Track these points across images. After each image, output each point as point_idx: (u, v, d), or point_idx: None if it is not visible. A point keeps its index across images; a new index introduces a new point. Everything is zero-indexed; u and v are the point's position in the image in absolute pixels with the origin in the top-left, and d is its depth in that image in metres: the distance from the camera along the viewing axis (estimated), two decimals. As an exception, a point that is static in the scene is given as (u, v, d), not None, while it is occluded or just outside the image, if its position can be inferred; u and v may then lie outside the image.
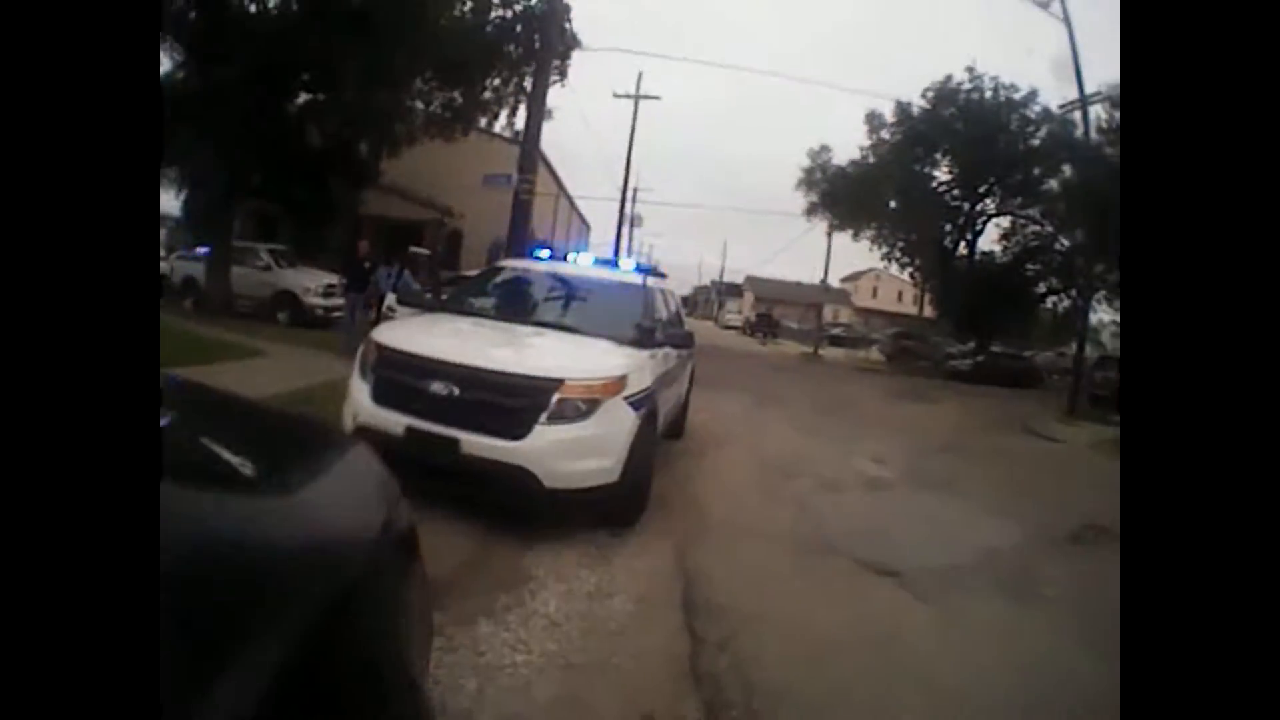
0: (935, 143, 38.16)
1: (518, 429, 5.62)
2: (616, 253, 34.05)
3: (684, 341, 8.78)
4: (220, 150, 18.75)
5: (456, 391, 5.70)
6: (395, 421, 5.77)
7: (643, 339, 7.01)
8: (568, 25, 20.14)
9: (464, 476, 5.71)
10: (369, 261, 15.73)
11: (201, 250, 21.19)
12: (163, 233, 53.08)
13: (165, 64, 19.58)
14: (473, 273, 17.56)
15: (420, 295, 12.39)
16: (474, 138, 24.27)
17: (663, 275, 10.15)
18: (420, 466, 5.25)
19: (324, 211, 22.05)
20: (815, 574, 6.05)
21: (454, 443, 5.62)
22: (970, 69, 36.99)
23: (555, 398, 5.69)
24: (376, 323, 12.87)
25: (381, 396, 5.99)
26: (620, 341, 6.76)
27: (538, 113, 16.92)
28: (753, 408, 15.30)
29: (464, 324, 7.11)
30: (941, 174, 39.88)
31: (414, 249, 22.82)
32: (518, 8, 21.04)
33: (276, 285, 20.39)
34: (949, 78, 37.49)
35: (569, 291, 8.09)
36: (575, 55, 21.58)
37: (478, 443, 5.61)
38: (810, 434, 13.01)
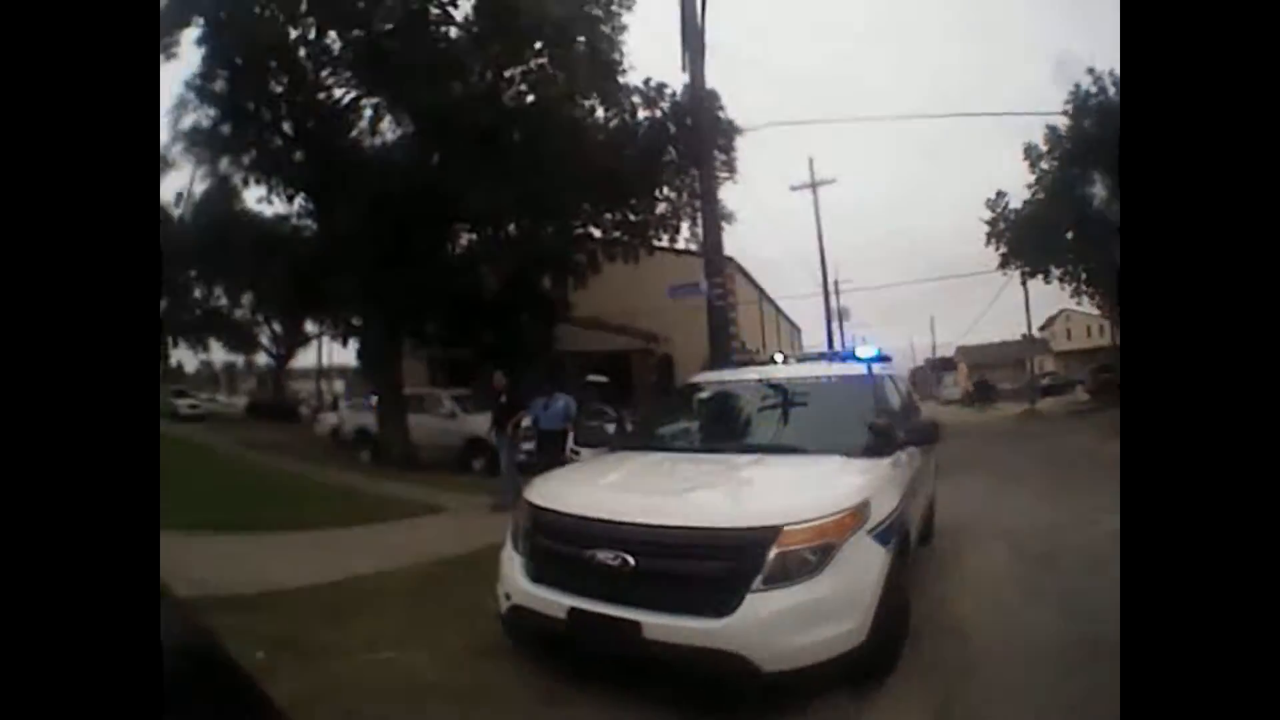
0: (1086, 159, 34.98)
1: (722, 601, 4.15)
2: (831, 348, 32.44)
3: (928, 435, 6.90)
4: (369, 297, 18.79)
5: (631, 561, 4.31)
6: (556, 604, 4.49)
7: (880, 444, 5.56)
8: (720, 112, 18.63)
9: (649, 667, 4.32)
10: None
11: (375, 401, 21.03)
12: (340, 384, 56.60)
13: (276, 207, 20.46)
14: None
15: (601, 433, 10.49)
16: (662, 258, 22.53)
17: (888, 358, 8.33)
18: (591, 657, 4.44)
19: (514, 353, 20.49)
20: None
21: (633, 627, 4.21)
22: (1090, 70, 33.91)
23: (773, 552, 4.19)
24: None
25: (539, 572, 4.75)
26: (852, 454, 5.32)
27: (711, 210, 15.51)
28: (989, 483, 13.66)
29: (647, 464, 5.88)
30: (1100, 190, 36.87)
31: (591, 377, 21.51)
32: (664, 106, 19.82)
33: (463, 432, 19.01)
34: (1077, 87, 34.55)
35: (780, 400, 6.55)
36: (738, 141, 19.94)
37: (666, 625, 4.18)
38: (1050, 500, 11.44)
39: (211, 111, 19.67)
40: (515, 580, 4.80)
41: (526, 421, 12.46)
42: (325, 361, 58.55)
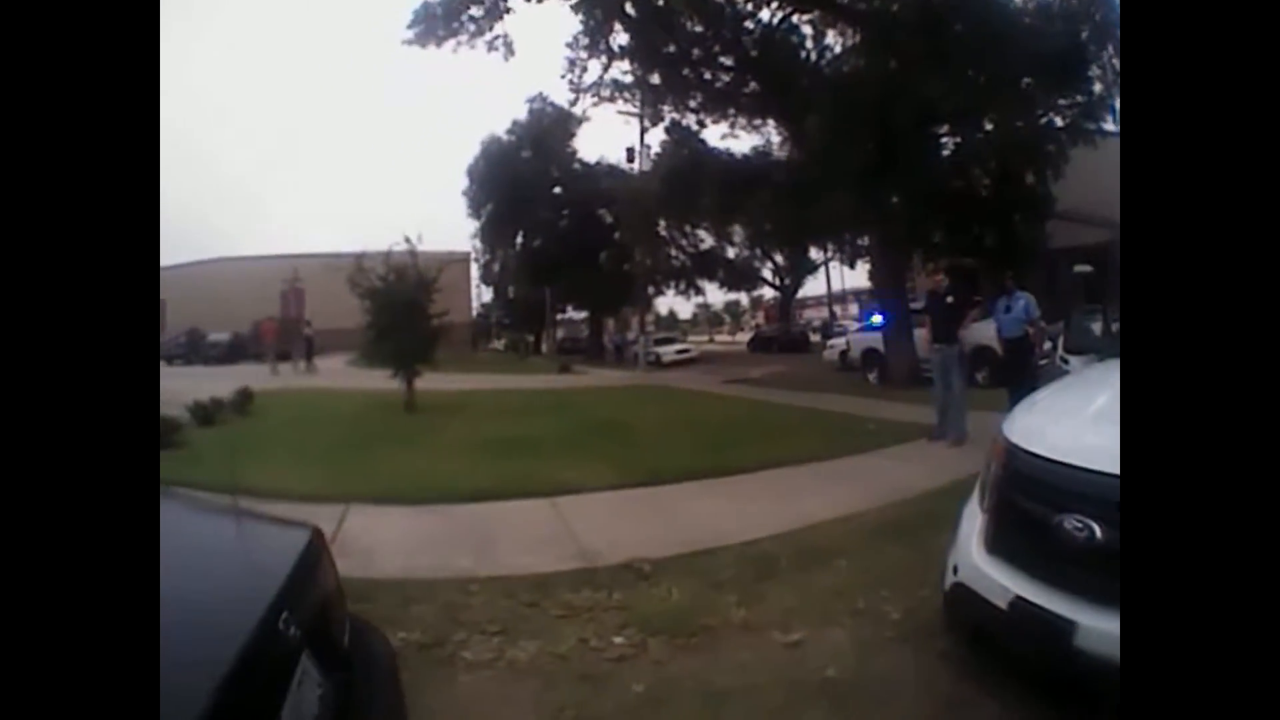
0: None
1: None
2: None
3: None
4: (868, 210, 18.78)
5: (1100, 533, 2.95)
6: (1001, 587, 3.33)
7: None
8: None
9: (1084, 688, 2.96)
10: (952, 295, 11.17)
11: (878, 320, 21.07)
12: (854, 307, 56.07)
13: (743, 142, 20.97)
14: None
15: (1092, 335, 7.90)
16: (1106, 145, 20.78)
17: None
18: (1034, 665, 3.21)
19: (1012, 254, 20.04)
20: None
21: (1065, 628, 2.98)
22: None
23: None
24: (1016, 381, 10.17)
25: (998, 540, 3.55)
26: None
27: None
28: None
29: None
30: None
31: (1078, 267, 19.08)
32: None
33: (969, 342, 17.90)
34: None
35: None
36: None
37: (1106, 632, 2.78)
38: None
39: (625, 65, 20.77)
40: (967, 548, 3.68)
41: (988, 327, 10.66)
42: (837, 287, 59.09)
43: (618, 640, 4.29)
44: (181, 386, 15.75)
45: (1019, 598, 3.18)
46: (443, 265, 16.73)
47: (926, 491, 7.40)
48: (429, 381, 16.91)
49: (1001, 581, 3.30)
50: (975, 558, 3.56)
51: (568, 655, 4.14)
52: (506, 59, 20.13)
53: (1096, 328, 7.86)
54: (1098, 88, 19.43)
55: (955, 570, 3.71)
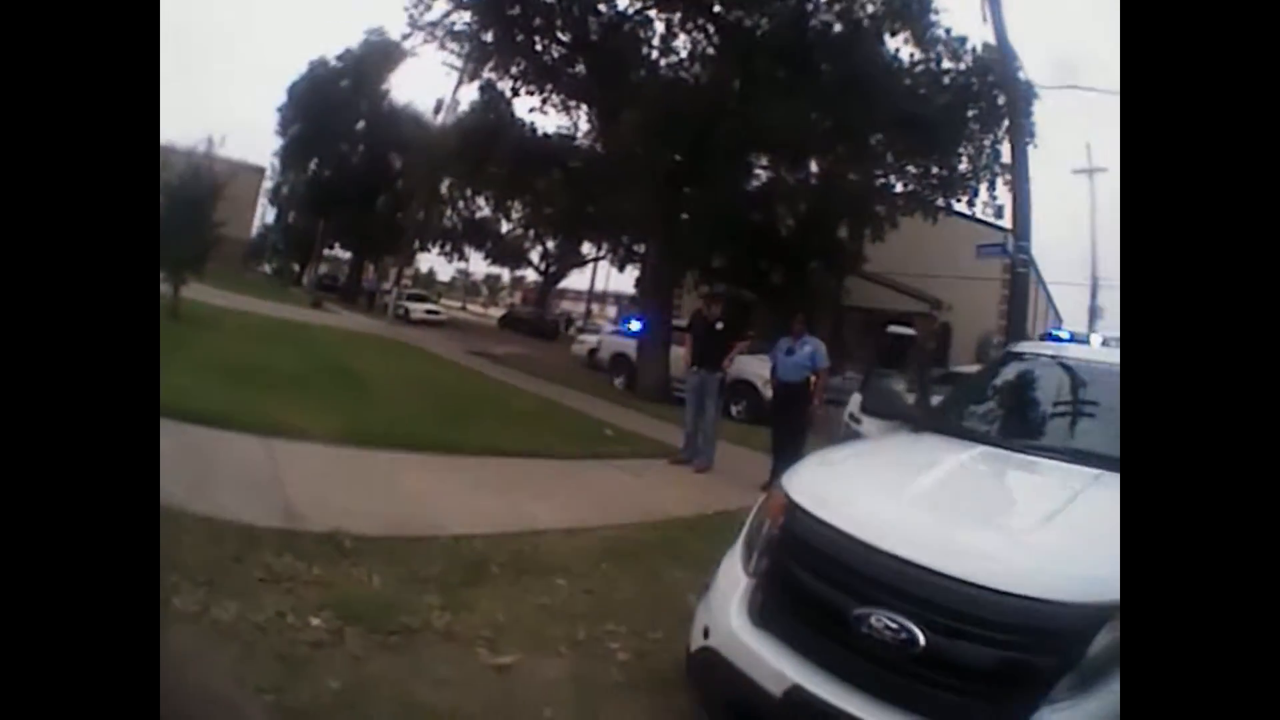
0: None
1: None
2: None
3: None
4: (659, 219, 18.56)
5: (921, 637, 2.58)
6: (775, 671, 2.85)
7: None
8: (1021, 73, 17.06)
9: None
10: (721, 322, 10.55)
11: (636, 327, 20.87)
12: (613, 309, 57.52)
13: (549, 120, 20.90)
14: (966, 369, 13.37)
15: (896, 401, 6.36)
16: (948, 224, 21.99)
17: None
18: None
19: (801, 298, 20.12)
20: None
21: None
22: None
23: (1100, 641, 2.48)
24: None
25: (768, 613, 3.05)
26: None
27: (1023, 173, 14.65)
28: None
29: (967, 466, 3.89)
30: None
31: (894, 327, 19.00)
32: (968, 59, 18.53)
33: (730, 373, 18.10)
34: None
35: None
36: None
37: None
38: None
39: (468, 16, 19.80)
40: (725, 613, 3.16)
41: (853, 406, 10.41)
42: (601, 286, 59.47)
43: (315, 622, 3.85)
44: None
45: (799, 687, 2.72)
46: (233, 174, 16.51)
47: (669, 518, 6.97)
48: (193, 292, 16.47)
49: (773, 664, 2.82)
50: (735, 626, 3.07)
51: (265, 627, 3.75)
52: None
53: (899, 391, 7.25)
54: (964, 166, 19.54)
55: (706, 633, 3.20)
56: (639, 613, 4.48)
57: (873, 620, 2.57)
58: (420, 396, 12.07)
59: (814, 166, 20.73)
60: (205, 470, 5.82)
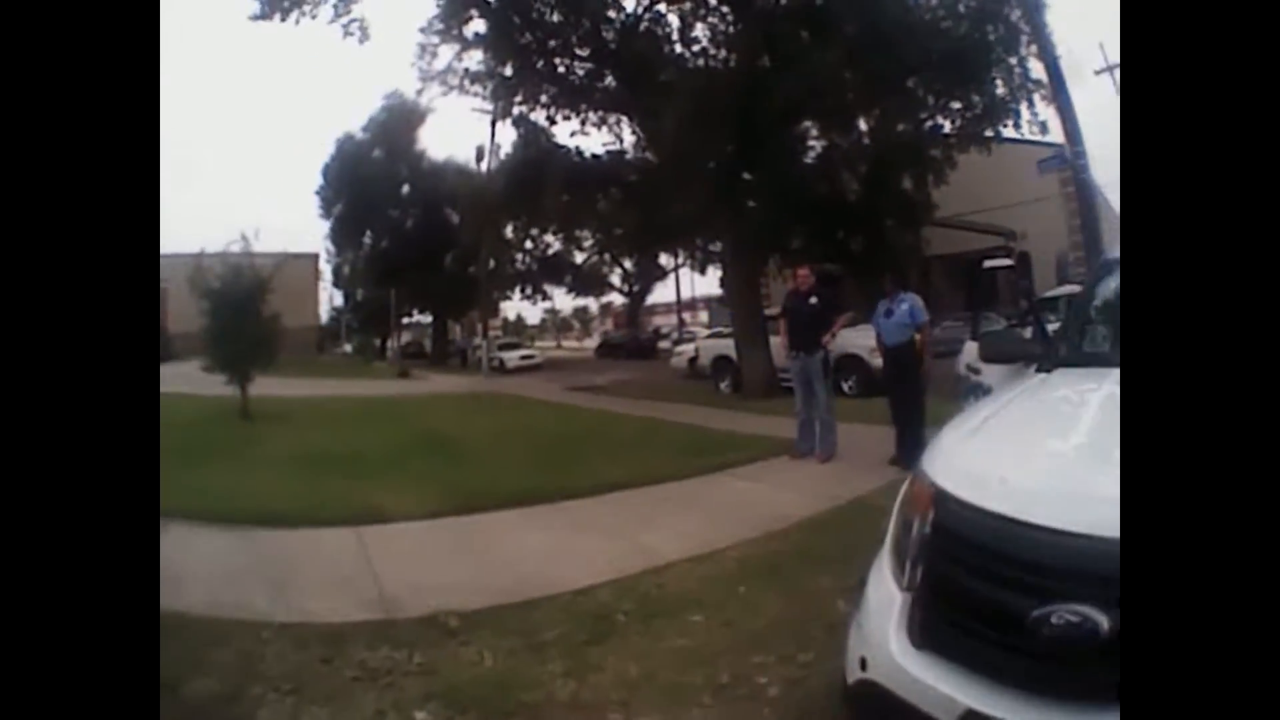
0: None
1: None
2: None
3: None
4: (722, 214, 18.21)
5: (1105, 625, 2.06)
6: (947, 700, 2.34)
7: None
8: None
9: None
10: (816, 296, 9.92)
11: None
12: (705, 314, 56.93)
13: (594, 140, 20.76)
14: (1062, 291, 12.23)
15: (1016, 341, 5.17)
16: (1001, 154, 21.04)
17: None
18: None
19: (884, 259, 19.81)
20: None
21: None
22: None
23: None
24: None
25: (932, 631, 2.52)
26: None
27: (1059, 82, 15.27)
28: None
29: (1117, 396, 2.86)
30: None
31: (990, 261, 18.10)
32: None
33: (835, 350, 17.27)
34: None
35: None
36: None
37: None
38: None
39: (479, 55, 19.87)
40: (882, 639, 2.64)
41: (969, 355, 9.81)
42: (686, 293, 58.85)
43: (420, 716, 3.55)
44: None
45: (973, 712, 2.22)
46: (278, 265, 16.00)
47: (798, 521, 6.46)
48: (267, 387, 16.34)
49: (942, 689, 2.32)
50: (895, 652, 2.55)
51: (362, 732, 3.54)
52: (361, 42, 18.54)
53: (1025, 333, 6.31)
54: (1000, 90, 18.91)
55: (864, 665, 2.71)
56: (784, 635, 4.06)
57: (1053, 619, 2.06)
58: (517, 447, 11.57)
59: (863, 125, 20.16)
60: (287, 575, 5.64)
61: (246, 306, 14.95)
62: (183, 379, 17.08)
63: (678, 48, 19.45)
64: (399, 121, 46.04)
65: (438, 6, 19.01)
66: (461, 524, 6.93)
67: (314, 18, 17.99)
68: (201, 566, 5.69)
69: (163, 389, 12.33)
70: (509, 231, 38.17)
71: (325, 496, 7.75)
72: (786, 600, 4.59)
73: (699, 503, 7.34)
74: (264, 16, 17.76)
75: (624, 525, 6.65)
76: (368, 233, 48.42)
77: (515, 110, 21.92)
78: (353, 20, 18.10)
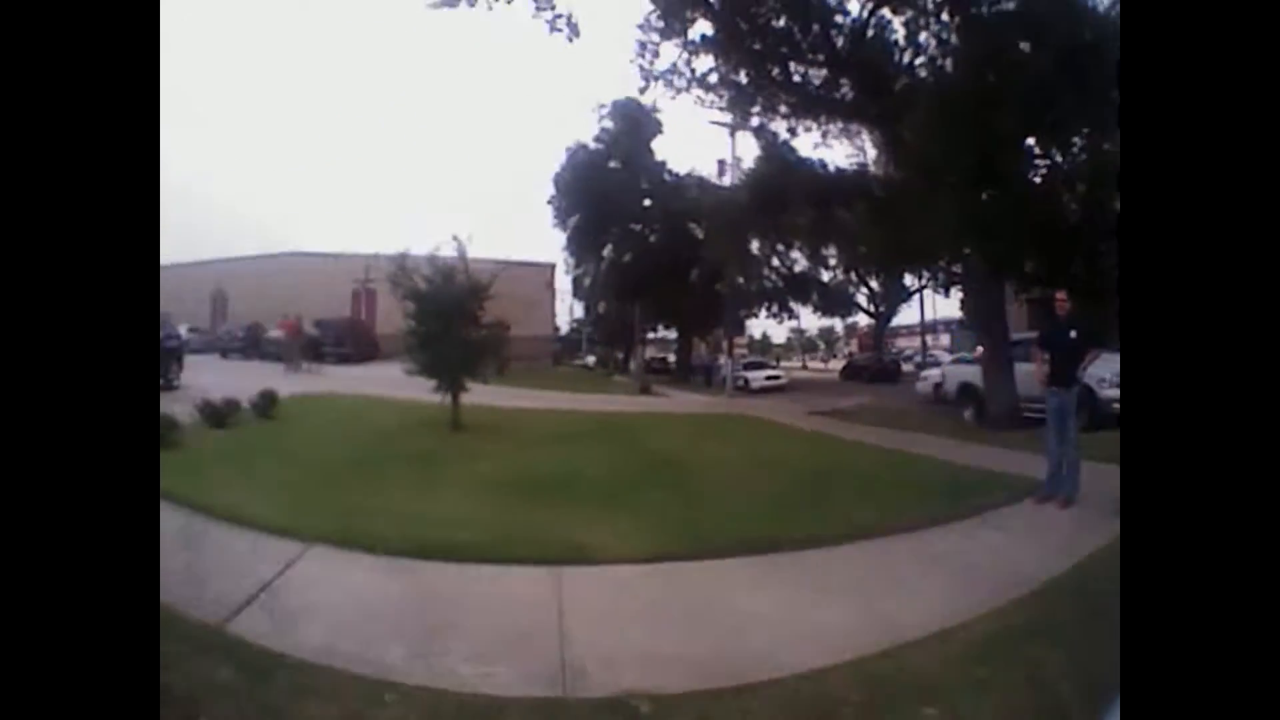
0: None
1: None
2: None
3: None
4: (963, 232, 17.38)
5: None
6: None
7: None
8: None
9: None
10: (1074, 328, 9.17)
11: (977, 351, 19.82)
12: (945, 338, 54.28)
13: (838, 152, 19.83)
14: None
15: None
16: None
17: None
18: None
19: (1100, 283, 18.06)
20: None
21: None
22: None
23: None
24: None
25: None
26: None
27: None
28: None
29: None
30: None
31: None
32: None
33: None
34: None
35: None
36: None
37: None
38: None
39: (709, 60, 19.19)
40: None
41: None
42: (929, 316, 56.69)
43: None
44: (223, 382, 15.57)
45: None
46: (499, 271, 15.42)
47: (1045, 581, 5.91)
48: (489, 396, 15.79)
49: None
50: None
51: None
52: (571, 39, 17.91)
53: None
54: None
55: None
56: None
57: None
58: (754, 480, 10.55)
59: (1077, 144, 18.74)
60: (446, 623, 4.95)
61: (458, 312, 14.34)
62: (387, 382, 17.42)
63: (906, 56, 18.59)
64: (632, 131, 45.89)
65: (652, 3, 18.49)
66: (681, 572, 6.18)
67: (510, 1, 17.41)
68: (334, 601, 5.23)
69: (364, 392, 15.14)
70: (754, 248, 37.85)
71: (524, 526, 7.13)
72: (1026, 693, 4.03)
73: (939, 558, 6.73)
74: (448, 4, 16.94)
75: (858, 585, 6.02)
76: (608, 245, 48.17)
77: (754, 121, 21.51)
78: (558, 15, 17.51)
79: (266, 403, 14.18)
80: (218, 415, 12.30)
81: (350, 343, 35.78)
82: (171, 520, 6.38)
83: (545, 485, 9.36)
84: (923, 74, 18.32)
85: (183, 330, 25.23)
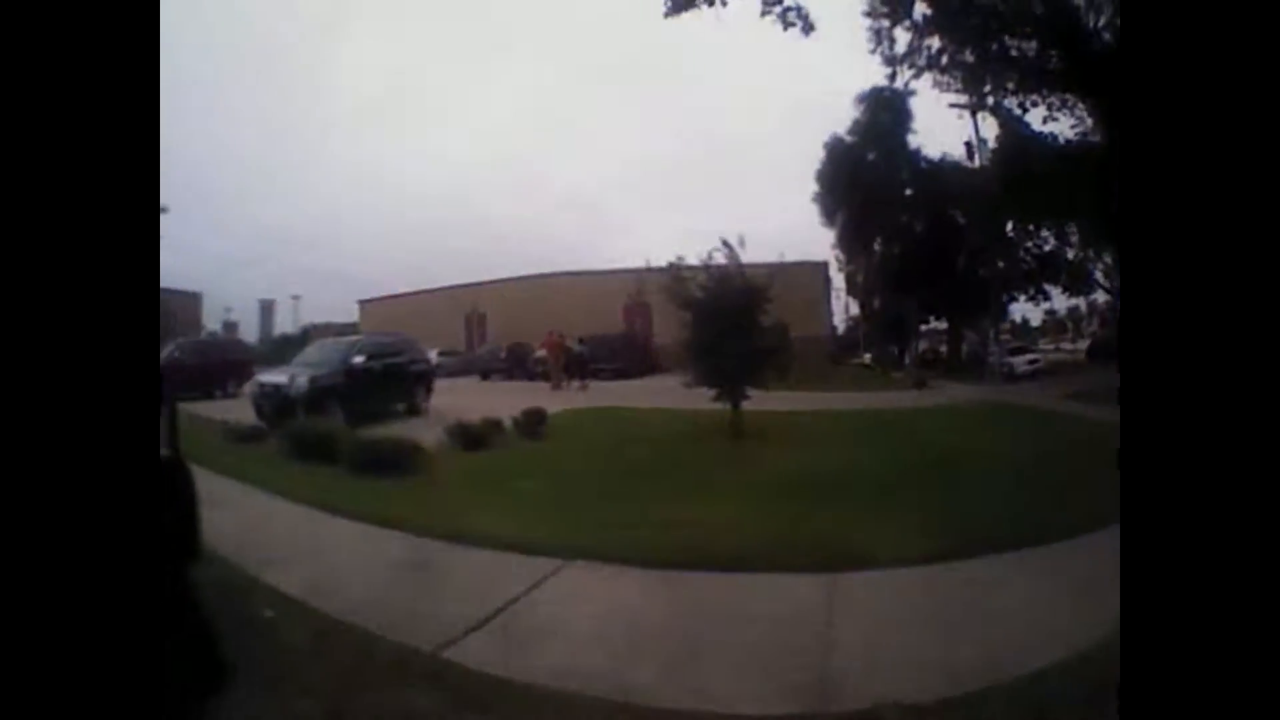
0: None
1: None
2: None
3: None
4: None
5: None
6: None
7: None
8: None
9: None
10: None
11: None
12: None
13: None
14: None
15: None
16: None
17: None
18: None
19: None
20: None
21: None
22: None
23: None
24: None
25: None
26: None
27: None
28: None
29: None
30: None
31: None
32: None
33: None
34: None
35: None
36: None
37: None
38: None
39: (937, 40, 18.82)
40: None
41: None
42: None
43: None
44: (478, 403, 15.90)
45: None
46: (775, 273, 15.05)
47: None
48: (768, 401, 15.34)
49: None
50: None
51: None
52: (806, 33, 17.24)
53: None
54: None
55: None
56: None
57: None
58: (1015, 474, 9.75)
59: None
60: (702, 638, 4.74)
61: (739, 317, 13.96)
62: (666, 393, 17.18)
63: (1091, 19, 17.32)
64: (885, 120, 44.09)
65: None
66: (950, 575, 5.82)
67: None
68: (584, 618, 5.07)
69: (641, 405, 14.94)
70: (1009, 229, 36.68)
71: (799, 532, 6.85)
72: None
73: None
74: (679, 8, 16.63)
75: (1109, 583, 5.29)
76: (877, 239, 47.10)
77: (988, 99, 20.68)
78: (789, 9, 17.02)
79: (533, 421, 14.01)
80: (472, 437, 12.35)
81: (624, 357, 35.51)
82: (396, 546, 6.60)
83: (821, 488, 9.03)
84: (1106, 35, 17.11)
85: (433, 354, 25.43)
